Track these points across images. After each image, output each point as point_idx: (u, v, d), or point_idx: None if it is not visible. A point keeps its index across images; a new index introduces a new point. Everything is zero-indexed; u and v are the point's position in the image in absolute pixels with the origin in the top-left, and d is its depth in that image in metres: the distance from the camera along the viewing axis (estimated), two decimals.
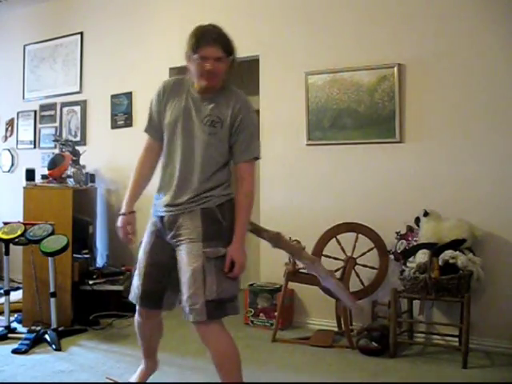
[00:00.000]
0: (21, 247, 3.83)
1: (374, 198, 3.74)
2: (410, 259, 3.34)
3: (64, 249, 3.52)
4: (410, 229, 3.49)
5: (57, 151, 4.57)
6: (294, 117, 4.02)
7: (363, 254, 3.59)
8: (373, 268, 3.62)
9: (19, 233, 3.64)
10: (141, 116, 4.36)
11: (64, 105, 5.32)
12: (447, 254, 3.19)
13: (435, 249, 3.22)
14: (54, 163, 4.26)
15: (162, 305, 2.39)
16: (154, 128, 2.37)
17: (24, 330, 3.68)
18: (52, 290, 3.55)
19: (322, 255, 3.63)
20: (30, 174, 4.30)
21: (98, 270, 4.31)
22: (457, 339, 3.34)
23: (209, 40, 2.18)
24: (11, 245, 3.69)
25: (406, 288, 3.29)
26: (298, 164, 4.04)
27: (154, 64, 4.61)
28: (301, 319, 3.98)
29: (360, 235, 3.61)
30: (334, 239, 3.62)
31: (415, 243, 3.37)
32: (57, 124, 5.38)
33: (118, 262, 4.51)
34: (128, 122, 4.81)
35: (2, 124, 5.83)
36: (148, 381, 2.69)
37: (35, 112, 5.53)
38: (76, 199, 4.01)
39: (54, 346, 3.38)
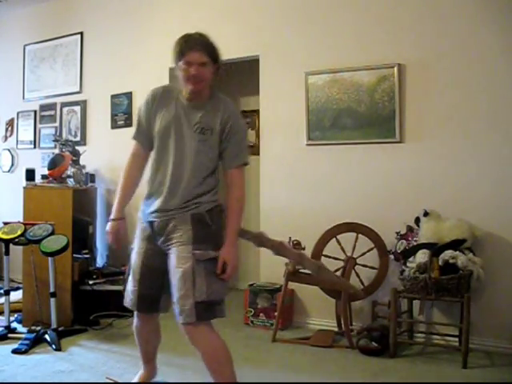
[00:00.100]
0: (21, 247, 3.83)
1: (374, 198, 3.74)
2: (410, 259, 3.34)
3: (64, 249, 3.52)
4: (409, 229, 3.49)
5: (57, 151, 4.57)
6: (294, 117, 4.02)
7: (363, 254, 3.59)
8: (373, 268, 3.62)
9: (19, 233, 3.64)
10: None
11: (64, 105, 5.32)
12: (447, 254, 3.19)
13: (435, 249, 3.22)
14: (54, 163, 4.26)
15: (158, 308, 2.43)
16: (143, 135, 2.40)
17: (24, 329, 3.68)
18: (52, 289, 3.56)
19: (322, 255, 3.63)
20: (29, 174, 4.30)
21: (97, 269, 4.32)
22: (457, 339, 3.34)
23: (193, 46, 2.23)
24: (11, 245, 3.69)
25: (405, 288, 3.29)
26: (298, 164, 4.04)
27: (153, 64, 4.61)
28: (301, 319, 3.98)
29: (360, 235, 3.60)
30: (334, 239, 3.62)
31: (415, 243, 3.37)
32: (57, 124, 5.38)
33: (117, 262, 4.51)
34: (128, 122, 4.81)
35: (2, 124, 5.83)
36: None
37: (35, 112, 5.54)
38: (76, 199, 4.01)
39: (53, 346, 3.38)
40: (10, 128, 5.77)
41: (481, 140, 3.42)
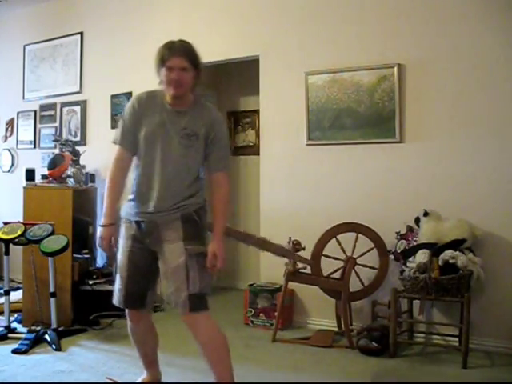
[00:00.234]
0: (21, 247, 3.84)
1: (374, 198, 3.74)
2: (410, 259, 3.34)
3: (64, 249, 3.53)
4: (410, 229, 3.49)
5: (57, 151, 4.57)
6: (294, 117, 4.02)
7: (363, 254, 3.59)
8: (373, 268, 3.62)
9: (19, 233, 3.64)
10: None
11: (64, 105, 5.33)
12: (447, 254, 3.19)
13: (435, 249, 3.22)
14: (54, 163, 4.26)
15: (145, 304, 2.51)
16: (128, 140, 2.44)
17: (24, 329, 3.69)
18: (52, 289, 3.56)
19: (322, 255, 3.63)
20: (29, 174, 4.31)
21: (97, 270, 4.32)
22: (457, 339, 3.34)
23: (174, 52, 2.33)
24: (11, 245, 3.69)
25: (405, 288, 3.29)
26: (298, 164, 4.04)
27: (154, 64, 4.60)
28: (301, 319, 3.98)
29: (360, 235, 3.60)
30: (334, 239, 3.62)
31: (415, 243, 3.37)
32: (57, 124, 5.38)
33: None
34: None
35: (2, 124, 5.83)
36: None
37: (35, 112, 5.54)
38: (76, 199, 4.01)
39: (54, 346, 3.39)
40: (9, 128, 5.78)
41: (481, 140, 3.42)
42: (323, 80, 3.91)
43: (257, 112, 4.91)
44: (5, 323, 3.66)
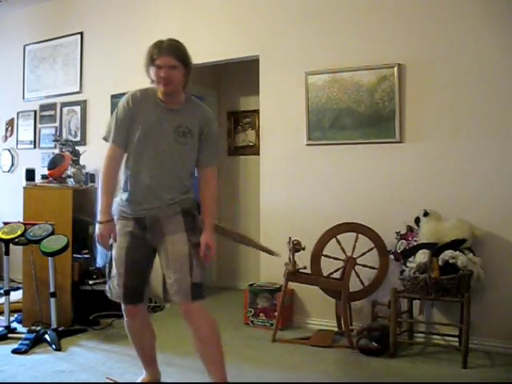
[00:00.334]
0: (21, 247, 3.84)
1: (374, 198, 3.74)
2: (410, 259, 3.34)
3: (64, 249, 3.53)
4: (410, 229, 3.49)
5: (57, 151, 4.57)
6: (294, 117, 4.02)
7: (363, 254, 3.59)
8: (373, 268, 3.62)
9: (19, 233, 3.64)
10: None
11: (64, 105, 5.32)
12: (447, 254, 3.19)
13: (435, 249, 3.22)
14: (54, 163, 4.26)
15: (143, 298, 2.60)
16: (121, 138, 2.49)
17: (24, 329, 3.68)
18: (52, 289, 3.56)
19: (322, 255, 3.63)
20: (29, 174, 4.30)
21: (97, 270, 4.31)
22: (457, 339, 3.34)
23: (163, 51, 2.39)
24: (11, 245, 3.69)
25: (405, 288, 3.29)
26: (298, 164, 4.04)
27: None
28: (301, 319, 3.98)
29: (360, 235, 3.60)
30: (334, 239, 3.62)
31: (415, 243, 3.37)
32: (57, 124, 5.38)
33: None
34: None
35: (2, 124, 5.83)
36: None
37: (35, 112, 5.54)
38: (76, 199, 4.01)
39: (54, 346, 3.39)
40: (9, 128, 5.77)
41: (481, 140, 3.42)
42: (323, 80, 3.91)
43: (257, 112, 4.91)
44: (5, 323, 3.66)
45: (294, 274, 3.59)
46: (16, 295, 4.21)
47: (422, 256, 3.23)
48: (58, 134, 5.26)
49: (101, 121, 5.02)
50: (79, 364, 3.15)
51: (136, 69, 4.89)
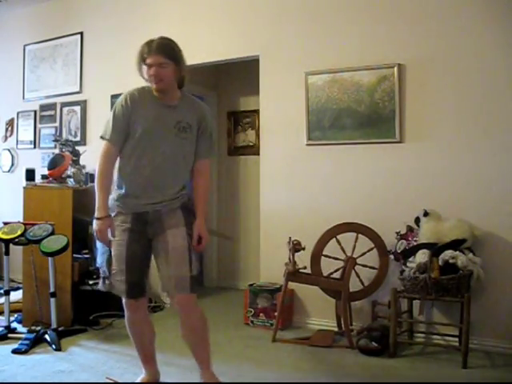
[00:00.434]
0: (21, 247, 3.83)
1: (374, 198, 3.74)
2: (410, 259, 3.34)
3: (64, 249, 3.53)
4: (410, 229, 3.49)
5: (57, 151, 4.57)
6: (294, 117, 4.02)
7: (363, 254, 3.59)
8: (373, 268, 3.62)
9: (19, 233, 3.64)
10: None
11: (64, 105, 5.32)
12: (447, 254, 3.19)
13: (435, 249, 3.22)
14: (54, 163, 4.26)
15: (145, 291, 2.64)
16: (118, 136, 2.54)
17: (24, 329, 3.68)
18: (52, 290, 3.56)
19: (322, 255, 3.63)
20: (29, 174, 4.30)
21: (98, 270, 4.29)
22: (457, 339, 3.34)
23: (152, 49, 2.46)
24: (11, 245, 3.69)
25: (405, 288, 3.29)
26: (298, 164, 4.04)
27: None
28: (301, 319, 3.98)
29: (360, 235, 3.60)
30: (334, 239, 3.62)
31: (415, 243, 3.37)
32: (57, 124, 5.38)
33: None
34: None
35: (2, 124, 5.83)
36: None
37: (35, 112, 5.54)
38: (76, 199, 4.00)
39: (54, 346, 3.39)
40: (10, 128, 5.77)
41: (481, 140, 3.42)
42: (323, 80, 3.91)
43: (257, 112, 4.91)
44: (5, 323, 3.66)
45: (293, 274, 3.58)
46: (16, 295, 4.21)
47: (421, 256, 3.23)
48: (58, 133, 5.26)
49: (101, 121, 4.97)
50: (79, 364, 3.15)
51: (136, 69, 4.90)
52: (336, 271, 3.66)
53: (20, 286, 4.31)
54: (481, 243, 3.35)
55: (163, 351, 2.98)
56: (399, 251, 3.44)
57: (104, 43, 5.06)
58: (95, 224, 2.51)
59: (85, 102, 5.18)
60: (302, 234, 3.72)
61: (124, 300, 2.64)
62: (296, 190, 4.04)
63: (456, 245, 3.24)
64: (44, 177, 4.32)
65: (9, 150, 5.74)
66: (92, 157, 4.73)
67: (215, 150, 2.83)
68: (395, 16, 3.69)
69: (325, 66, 3.90)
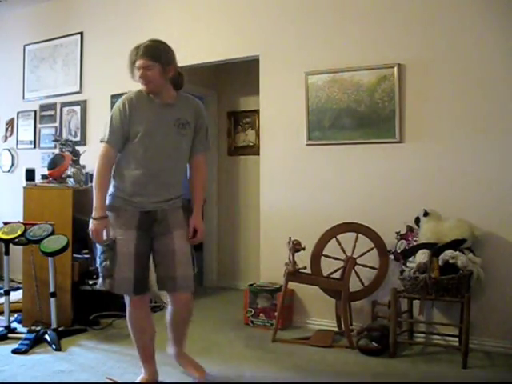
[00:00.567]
0: (21, 247, 3.83)
1: (374, 198, 3.74)
2: (410, 259, 3.34)
3: (64, 249, 3.52)
4: (410, 229, 3.49)
5: (57, 151, 4.56)
6: (294, 117, 4.02)
7: (363, 254, 3.59)
8: (373, 268, 3.62)
9: (19, 233, 3.64)
10: None
11: (64, 105, 5.32)
12: (447, 254, 3.19)
13: (435, 249, 3.22)
14: (54, 163, 4.26)
15: (148, 287, 2.72)
16: (117, 138, 2.61)
17: (24, 329, 3.68)
18: (52, 290, 3.56)
19: (322, 255, 3.63)
20: (29, 174, 4.31)
21: (97, 270, 4.30)
22: (457, 339, 3.34)
23: (139, 53, 2.58)
24: (11, 245, 3.69)
25: (405, 288, 3.29)
26: (298, 164, 4.04)
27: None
28: (301, 319, 3.98)
29: (360, 235, 3.60)
30: (334, 239, 3.62)
31: (415, 243, 3.37)
32: (57, 124, 5.38)
33: None
34: None
35: (2, 124, 5.83)
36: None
37: (35, 112, 5.54)
38: (76, 199, 4.00)
39: (54, 346, 3.39)
40: (10, 128, 5.77)
41: (481, 140, 3.42)
42: (323, 80, 3.91)
43: (257, 112, 4.91)
44: (5, 323, 3.66)
45: (293, 274, 3.58)
46: (16, 295, 4.21)
47: (421, 256, 3.23)
48: (58, 134, 5.26)
49: (101, 121, 5.02)
50: (79, 364, 3.15)
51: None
52: (336, 271, 3.66)
53: (20, 286, 4.31)
54: (481, 243, 3.35)
55: (163, 351, 2.98)
56: (399, 251, 3.44)
57: (104, 43, 5.06)
58: (91, 224, 2.56)
59: (85, 101, 5.18)
60: (302, 234, 3.72)
61: (128, 298, 2.67)
62: (296, 190, 4.04)
63: (456, 245, 3.24)
64: (44, 177, 4.32)
65: (9, 150, 5.74)
66: (92, 157, 4.71)
67: (210, 145, 2.94)
68: (395, 16, 3.69)
69: (325, 66, 3.90)
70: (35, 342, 3.43)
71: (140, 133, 2.58)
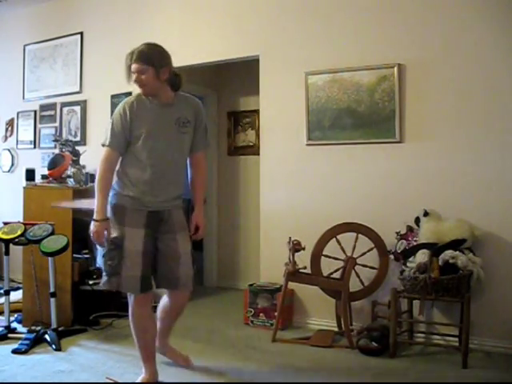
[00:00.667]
0: (21, 247, 3.83)
1: (374, 198, 3.74)
2: (410, 259, 3.34)
3: (64, 249, 3.52)
4: (410, 229, 3.49)
5: (57, 151, 4.57)
6: (294, 117, 4.02)
7: (363, 254, 3.59)
8: (373, 268, 3.62)
9: (19, 233, 3.64)
10: None
11: (64, 105, 5.32)
12: (447, 254, 3.19)
13: (435, 249, 3.22)
14: (54, 163, 4.26)
15: (152, 285, 2.77)
16: (119, 142, 2.67)
17: (24, 329, 3.68)
18: (52, 290, 3.56)
19: (322, 255, 3.63)
20: (29, 174, 4.31)
21: (97, 269, 4.30)
22: (457, 339, 3.34)
23: (134, 58, 2.64)
24: (11, 245, 3.69)
25: (405, 288, 3.29)
26: (298, 164, 4.03)
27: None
28: (301, 319, 3.98)
29: (360, 235, 3.60)
30: (334, 239, 3.62)
31: (415, 243, 3.37)
32: (57, 124, 5.38)
33: None
34: None
35: (2, 124, 5.83)
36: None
37: (35, 112, 5.54)
38: (76, 199, 4.00)
39: (54, 346, 3.39)
40: (10, 128, 5.77)
41: (481, 140, 3.42)
42: (323, 80, 3.91)
43: (257, 112, 4.91)
44: (5, 323, 3.66)
45: (293, 274, 3.58)
46: (16, 295, 4.21)
47: (421, 256, 3.23)
48: (58, 134, 5.26)
49: (101, 121, 5.03)
50: (79, 364, 3.15)
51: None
52: (336, 271, 3.66)
53: (20, 285, 4.31)
54: (481, 243, 3.35)
55: None
56: (399, 251, 3.44)
57: (104, 43, 5.06)
58: (93, 225, 2.60)
59: (85, 101, 5.18)
60: (302, 234, 3.72)
61: (132, 296, 2.70)
62: (296, 190, 4.04)
63: (456, 245, 3.24)
64: (44, 177, 4.32)
65: (9, 150, 5.74)
66: (92, 157, 4.73)
67: (210, 142, 3.03)
68: (395, 16, 3.69)
69: (325, 66, 3.90)
70: (35, 342, 3.43)
71: (143, 135, 2.64)
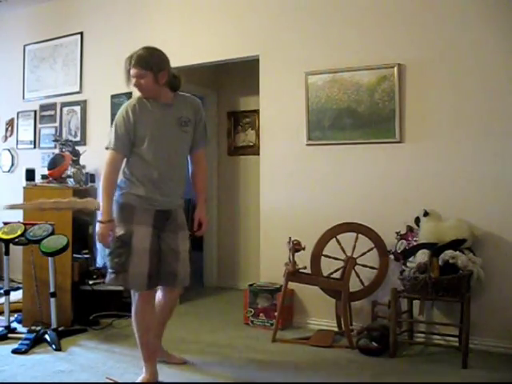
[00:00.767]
0: (21, 247, 3.83)
1: (374, 198, 3.74)
2: (410, 259, 3.34)
3: (64, 249, 3.53)
4: (410, 229, 3.49)
5: (57, 151, 4.57)
6: (294, 117, 4.02)
7: (363, 254, 3.59)
8: (373, 268, 3.62)
9: (19, 233, 3.64)
10: None
11: (64, 105, 5.32)
12: (447, 254, 3.19)
13: (435, 249, 3.22)
14: (54, 163, 4.26)
15: (157, 283, 2.81)
16: (123, 145, 2.71)
17: (24, 329, 3.68)
18: (52, 290, 3.56)
19: (322, 255, 3.63)
20: (30, 174, 4.30)
21: (97, 269, 4.31)
22: (457, 339, 3.34)
23: (132, 63, 2.69)
24: (11, 245, 3.69)
25: (405, 288, 3.29)
26: (298, 164, 4.03)
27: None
28: (301, 319, 3.98)
29: (360, 235, 3.60)
30: (334, 239, 3.62)
31: (415, 243, 3.37)
32: (57, 124, 5.38)
33: None
34: None
35: (2, 124, 5.83)
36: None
37: (35, 112, 5.53)
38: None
39: (54, 346, 3.38)
40: (10, 128, 5.77)
41: (480, 140, 3.42)
42: (323, 80, 3.91)
43: (257, 112, 4.91)
44: (5, 323, 3.66)
45: (293, 274, 3.58)
46: (16, 295, 4.21)
47: (421, 256, 3.23)
48: (58, 134, 5.26)
49: (101, 121, 5.03)
50: (79, 364, 3.15)
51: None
52: (336, 271, 3.66)
53: (20, 285, 4.31)
54: (481, 243, 3.35)
55: None
56: (399, 251, 3.44)
57: (104, 43, 5.06)
58: (98, 227, 2.65)
59: (85, 101, 5.18)
60: (302, 233, 3.72)
61: (137, 294, 2.73)
62: (296, 190, 4.04)
63: (456, 245, 3.24)
64: (44, 177, 4.32)
65: (9, 150, 5.74)
66: (92, 157, 4.75)
67: (209, 139, 3.15)
68: (395, 16, 3.69)
69: (325, 66, 3.90)
70: (35, 342, 3.43)
71: (147, 136, 2.69)
